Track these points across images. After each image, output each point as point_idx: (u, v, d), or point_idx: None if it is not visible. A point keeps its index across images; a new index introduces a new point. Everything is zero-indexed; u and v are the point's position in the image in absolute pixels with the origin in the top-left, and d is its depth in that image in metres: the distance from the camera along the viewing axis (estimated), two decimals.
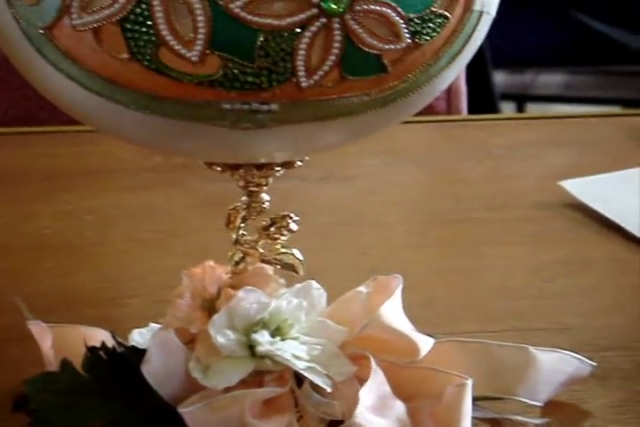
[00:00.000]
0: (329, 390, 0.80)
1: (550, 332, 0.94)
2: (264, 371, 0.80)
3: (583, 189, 1.18)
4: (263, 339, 0.80)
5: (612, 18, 3.24)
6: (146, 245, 1.11)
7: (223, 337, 0.80)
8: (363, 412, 0.79)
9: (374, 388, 0.81)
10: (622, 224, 1.11)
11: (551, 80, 3.30)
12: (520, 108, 3.61)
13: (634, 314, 1.00)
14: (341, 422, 0.81)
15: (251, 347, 0.80)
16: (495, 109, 2.97)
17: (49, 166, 1.31)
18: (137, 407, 0.82)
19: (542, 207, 1.17)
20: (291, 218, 0.83)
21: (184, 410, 0.79)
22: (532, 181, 1.23)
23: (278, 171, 0.81)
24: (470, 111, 1.73)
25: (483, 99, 2.75)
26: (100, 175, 1.25)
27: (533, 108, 3.60)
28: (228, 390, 0.79)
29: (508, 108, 3.45)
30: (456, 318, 0.91)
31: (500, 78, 3.21)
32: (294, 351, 0.80)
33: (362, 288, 0.86)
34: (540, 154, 1.32)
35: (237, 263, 0.83)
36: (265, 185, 0.82)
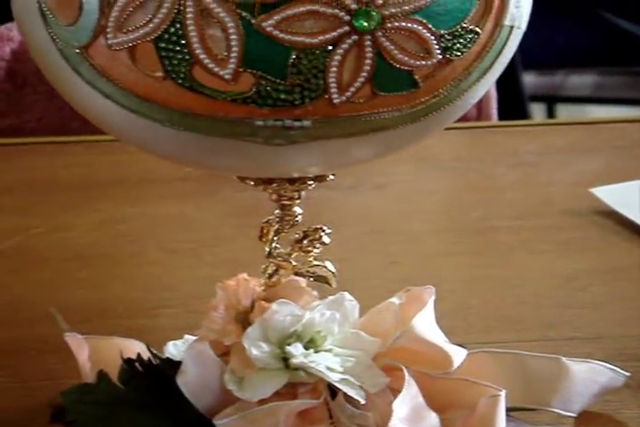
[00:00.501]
0: (363, 401, 0.80)
1: (583, 341, 0.94)
2: (298, 383, 0.81)
3: (615, 195, 1.18)
4: (297, 351, 0.80)
5: (632, 12, 3.23)
6: (178, 255, 1.11)
7: (257, 349, 0.80)
8: (397, 424, 0.80)
9: (408, 399, 0.81)
10: None
11: (581, 81, 3.29)
12: (550, 110, 3.60)
13: None
14: None
15: (285, 359, 0.80)
16: (525, 113, 2.96)
17: (82, 176, 1.32)
18: (173, 419, 0.83)
19: (573, 215, 1.17)
20: (323, 231, 0.84)
21: (219, 422, 0.80)
22: (562, 188, 1.23)
23: (310, 185, 0.82)
24: (500, 115, 1.73)
25: (513, 103, 2.74)
26: (132, 185, 1.25)
27: (564, 110, 3.58)
28: (262, 402, 0.80)
29: (538, 110, 3.44)
30: (488, 328, 0.91)
31: (529, 80, 3.20)
32: (328, 363, 0.81)
33: (394, 299, 0.86)
34: (570, 160, 1.32)
35: (271, 276, 0.84)
36: (298, 199, 0.82)
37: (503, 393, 0.83)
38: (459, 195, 1.18)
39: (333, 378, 0.80)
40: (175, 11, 0.69)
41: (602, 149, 1.37)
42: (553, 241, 1.14)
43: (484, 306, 0.93)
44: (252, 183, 0.82)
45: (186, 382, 0.83)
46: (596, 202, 1.17)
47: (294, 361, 0.80)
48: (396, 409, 0.80)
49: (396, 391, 0.82)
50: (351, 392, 0.80)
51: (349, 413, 0.81)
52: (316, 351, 0.81)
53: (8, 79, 1.50)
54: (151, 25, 0.70)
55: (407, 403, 0.81)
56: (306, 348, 0.81)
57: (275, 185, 0.81)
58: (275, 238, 0.83)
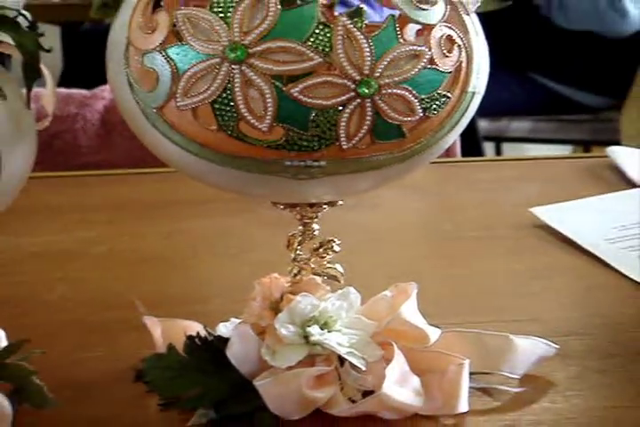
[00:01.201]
0: (363, 368, 0.81)
1: (525, 322, 0.95)
2: (315, 355, 0.81)
3: (549, 214, 1.18)
4: (315, 331, 0.80)
5: (562, 78, 3.23)
6: (225, 259, 1.11)
7: (285, 330, 0.80)
8: (389, 384, 0.80)
9: (397, 366, 0.82)
10: (578, 241, 1.11)
11: (521, 126, 3.28)
12: (498, 148, 3.62)
13: (585, 308, 1.01)
14: (373, 391, 0.81)
15: (305, 337, 0.80)
16: (480, 151, 2.97)
17: (154, 198, 1.32)
18: (223, 380, 0.83)
19: (519, 228, 1.18)
20: (334, 242, 0.84)
21: (258, 383, 0.80)
22: (510, 208, 1.23)
23: (325, 208, 0.82)
24: (462, 153, 1.74)
25: (471, 143, 2.74)
26: (189, 205, 1.26)
27: (508, 148, 3.59)
28: (289, 368, 0.80)
29: (489, 148, 3.46)
30: (456, 313, 0.93)
31: (482, 124, 3.20)
32: (338, 340, 0.81)
33: (387, 292, 0.87)
34: (515, 187, 1.32)
35: (295, 275, 0.84)
36: (315, 218, 0.83)
37: (467, 362, 0.83)
38: (433, 213, 1.17)
39: (342, 351, 0.80)
40: (227, 81, 0.69)
41: (538, 179, 1.37)
42: (503, 247, 1.14)
43: (453, 297, 0.94)
44: (282, 207, 0.82)
45: (232, 353, 0.83)
46: (534, 219, 1.18)
47: (313, 339, 0.80)
48: (389, 374, 0.80)
49: (388, 361, 0.82)
50: (355, 362, 0.80)
51: (354, 377, 0.81)
52: (329, 331, 0.81)
53: (101, 126, 1.50)
54: (209, 91, 0.70)
55: (396, 369, 0.81)
56: (321, 328, 0.81)
57: (298, 208, 0.82)
58: (298, 247, 0.84)
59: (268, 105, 0.70)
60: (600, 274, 1.08)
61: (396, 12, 0.73)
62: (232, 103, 0.71)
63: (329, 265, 0.84)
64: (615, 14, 2.99)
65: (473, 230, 1.19)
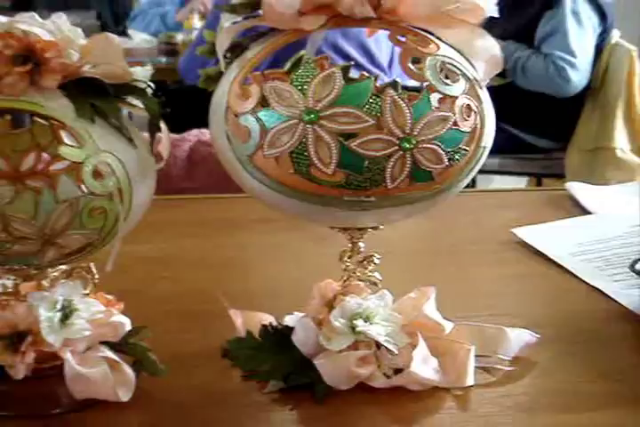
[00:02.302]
0: (396, 352, 0.80)
1: (510, 317, 0.95)
2: (360, 341, 0.80)
3: (526, 233, 1.19)
4: (359, 324, 0.80)
5: (523, 127, 3.23)
6: (289, 266, 1.11)
7: (338, 322, 0.80)
8: (415, 364, 0.80)
9: (420, 351, 0.81)
10: (548, 254, 1.12)
11: (491, 162, 3.29)
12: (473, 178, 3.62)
13: (555, 305, 1.01)
14: (402, 369, 0.80)
15: (352, 328, 0.80)
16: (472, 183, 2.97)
17: (230, 216, 1.32)
18: (289, 359, 0.83)
19: (502, 244, 1.18)
20: (374, 256, 0.83)
21: (317, 362, 0.80)
22: (495, 228, 1.23)
23: (369, 231, 0.81)
24: None
25: None
26: (260, 222, 1.26)
27: (481, 178, 3.57)
28: (340, 351, 0.79)
29: None
30: (459, 310, 0.92)
31: None
32: (376, 330, 0.80)
33: (411, 294, 0.86)
34: (498, 212, 1.32)
35: (345, 281, 0.83)
36: (361, 238, 0.82)
37: (473, 347, 0.83)
38: (435, 231, 1.17)
39: (380, 339, 0.80)
40: (302, 137, 0.69)
41: (514, 206, 1.37)
42: (492, 258, 1.14)
43: (456, 296, 0.95)
44: (337, 230, 0.81)
45: (297, 338, 0.82)
46: (514, 237, 1.17)
47: (358, 329, 0.80)
48: (415, 356, 0.80)
49: (413, 346, 0.81)
50: (389, 347, 0.79)
51: (388, 358, 0.80)
52: (370, 324, 0.80)
53: (187, 161, 1.50)
54: (288, 144, 0.70)
55: (420, 353, 0.81)
56: (364, 321, 0.80)
57: (349, 231, 0.81)
58: (347, 260, 0.83)
59: (333, 155, 0.70)
60: (565, 279, 1.08)
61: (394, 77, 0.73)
62: (306, 153, 0.71)
63: (370, 273, 0.84)
64: (561, 80, 2.99)
65: (467, 245, 1.19)
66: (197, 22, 3.19)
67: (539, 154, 3.25)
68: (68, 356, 0.77)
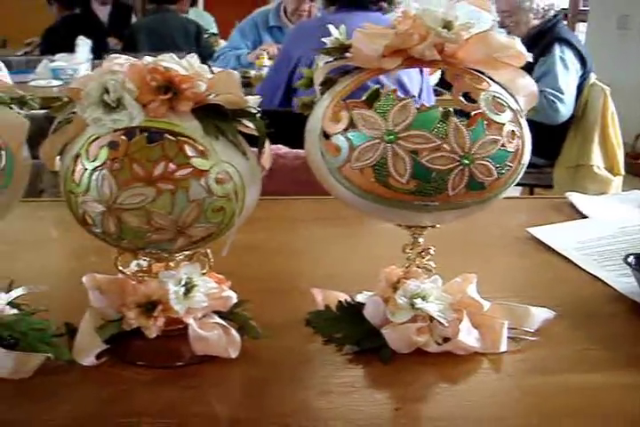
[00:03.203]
0: (446, 324, 0.79)
1: (530, 298, 0.92)
2: (418, 315, 0.79)
3: (538, 232, 1.17)
4: (418, 302, 0.79)
5: None
6: (359, 254, 1.11)
7: (401, 300, 0.79)
8: (462, 334, 0.78)
9: (465, 324, 0.81)
10: (557, 249, 1.11)
11: None
12: None
13: (562, 289, 1.00)
14: (449, 338, 0.79)
15: (412, 305, 0.79)
16: None
17: (306, 214, 1.31)
18: (360, 328, 0.82)
19: (518, 240, 1.17)
20: (430, 249, 0.82)
21: (384, 331, 0.79)
22: (512, 227, 1.22)
23: (429, 228, 0.80)
24: None
25: None
26: (332, 219, 1.24)
27: None
28: (402, 323, 0.78)
29: None
30: (495, 293, 0.89)
31: None
32: (431, 307, 0.79)
33: (457, 279, 0.85)
34: (513, 214, 1.30)
35: (407, 268, 0.82)
36: (421, 234, 0.81)
37: (506, 322, 0.82)
38: (466, 230, 1.15)
39: (434, 314, 0.79)
40: (383, 153, 0.68)
41: (525, 210, 1.35)
42: (509, 251, 1.14)
43: (486, 282, 0.89)
44: (402, 227, 0.80)
45: (367, 312, 0.82)
46: (528, 234, 1.16)
47: (417, 306, 0.79)
48: (461, 328, 0.79)
49: (459, 320, 0.80)
50: (441, 320, 0.79)
51: (439, 329, 0.79)
52: (426, 302, 0.79)
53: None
54: (371, 159, 0.70)
55: (465, 325, 0.80)
56: (422, 300, 0.79)
57: (413, 228, 0.80)
58: (409, 251, 0.82)
59: (407, 168, 0.69)
60: (571, 269, 1.06)
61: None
62: (385, 166, 0.70)
63: (426, 262, 0.82)
64: (552, 111, 2.96)
65: (491, 240, 1.18)
66: (266, 61, 3.19)
67: (532, 169, 3.21)
68: (190, 321, 0.76)
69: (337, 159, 0.72)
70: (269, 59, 3.22)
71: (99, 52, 3.59)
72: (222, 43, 4.52)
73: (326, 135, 0.74)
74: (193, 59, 0.72)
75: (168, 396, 0.71)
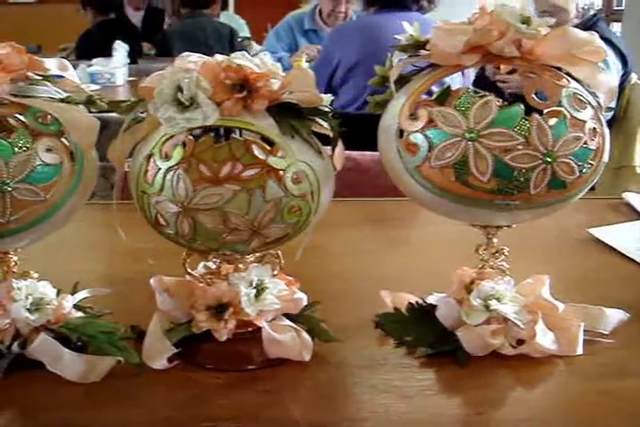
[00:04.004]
0: (522, 326, 0.77)
1: (600, 298, 0.90)
2: (492, 317, 0.78)
3: (599, 232, 1.15)
4: (493, 303, 0.78)
5: None
6: (429, 254, 1.09)
7: (475, 302, 0.77)
8: (539, 336, 0.77)
9: (540, 326, 0.79)
10: (618, 248, 1.10)
11: None
12: None
13: (628, 287, 0.98)
14: (523, 340, 0.77)
15: (486, 306, 0.77)
16: None
17: (368, 215, 1.29)
18: (432, 330, 0.80)
19: (579, 240, 1.15)
20: (505, 249, 0.80)
21: (459, 333, 0.78)
22: (572, 228, 1.20)
23: (504, 228, 0.78)
24: None
25: None
26: (400, 219, 1.25)
27: None
28: (477, 325, 0.77)
29: None
30: (568, 296, 0.86)
31: None
32: (507, 309, 0.77)
33: (529, 280, 0.83)
34: (573, 215, 1.27)
35: (480, 269, 0.80)
36: (495, 235, 0.79)
37: (582, 324, 0.80)
38: (528, 232, 1.11)
39: (510, 316, 0.78)
40: (464, 151, 0.66)
41: (585, 211, 1.32)
42: (573, 252, 1.12)
43: (555, 285, 0.86)
44: (477, 227, 0.78)
45: (440, 314, 0.80)
46: (589, 235, 1.14)
47: (492, 308, 0.77)
48: (537, 330, 0.78)
49: (534, 322, 0.79)
50: (517, 322, 0.77)
51: (514, 330, 0.78)
52: (501, 303, 0.77)
53: None
54: (452, 157, 0.68)
55: (540, 327, 0.78)
56: (497, 301, 0.77)
57: (488, 228, 0.78)
58: (483, 252, 0.80)
59: (489, 166, 0.68)
60: (635, 269, 1.04)
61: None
62: (466, 164, 0.68)
63: (500, 263, 0.80)
64: None
65: (551, 241, 1.16)
66: (305, 64, 3.18)
67: None
68: (263, 324, 0.75)
69: (415, 158, 0.70)
70: (308, 61, 3.21)
71: (133, 57, 3.60)
72: (256, 46, 4.52)
73: (401, 134, 0.72)
74: (266, 57, 0.71)
75: (244, 400, 0.70)
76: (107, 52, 3.46)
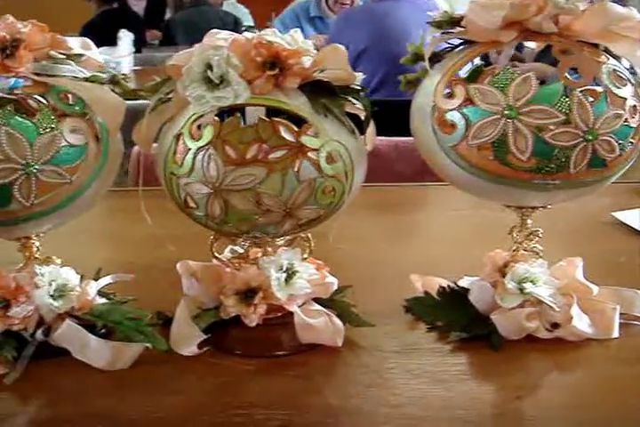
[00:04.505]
0: (557, 309, 0.75)
1: (634, 284, 0.86)
2: (527, 300, 0.76)
3: (622, 215, 1.14)
4: (527, 286, 0.76)
5: None
6: (461, 239, 1.07)
7: (510, 285, 0.76)
8: (575, 319, 0.75)
9: (575, 308, 0.77)
10: None
11: None
12: None
13: None
14: (558, 324, 0.76)
15: (521, 289, 0.76)
16: None
17: (388, 199, 1.26)
18: (465, 314, 0.79)
19: (605, 223, 1.13)
20: (539, 231, 0.78)
21: (493, 316, 0.76)
22: (596, 211, 1.18)
23: (540, 209, 0.76)
24: None
25: None
26: (432, 204, 1.25)
27: None
28: (511, 308, 0.75)
29: None
30: (604, 280, 0.84)
31: None
32: (542, 292, 0.76)
33: (562, 263, 0.82)
34: (596, 199, 1.24)
35: (514, 251, 0.79)
36: (530, 216, 0.77)
37: (617, 307, 0.78)
38: (552, 215, 1.09)
39: (545, 299, 0.76)
40: (503, 129, 0.64)
41: (607, 195, 1.30)
42: (599, 236, 1.11)
43: (585, 268, 0.84)
44: (512, 208, 0.76)
45: (473, 297, 0.79)
46: (614, 219, 1.12)
47: (526, 291, 0.76)
48: (573, 313, 0.76)
49: (569, 305, 0.77)
50: (552, 305, 0.76)
51: (549, 314, 0.77)
52: (536, 286, 0.76)
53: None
54: (491, 135, 0.66)
55: (575, 310, 0.76)
56: (532, 284, 0.76)
57: (523, 209, 0.76)
58: (517, 234, 0.78)
59: (529, 144, 0.66)
60: None
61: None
62: (504, 143, 0.66)
63: (534, 245, 0.79)
64: None
65: (576, 225, 1.14)
66: None
67: None
68: (295, 308, 0.73)
69: (451, 137, 0.68)
70: (315, 50, 3.17)
71: (137, 46, 3.57)
72: None
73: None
74: (297, 34, 0.69)
75: (277, 386, 0.68)
76: (110, 42, 3.43)
